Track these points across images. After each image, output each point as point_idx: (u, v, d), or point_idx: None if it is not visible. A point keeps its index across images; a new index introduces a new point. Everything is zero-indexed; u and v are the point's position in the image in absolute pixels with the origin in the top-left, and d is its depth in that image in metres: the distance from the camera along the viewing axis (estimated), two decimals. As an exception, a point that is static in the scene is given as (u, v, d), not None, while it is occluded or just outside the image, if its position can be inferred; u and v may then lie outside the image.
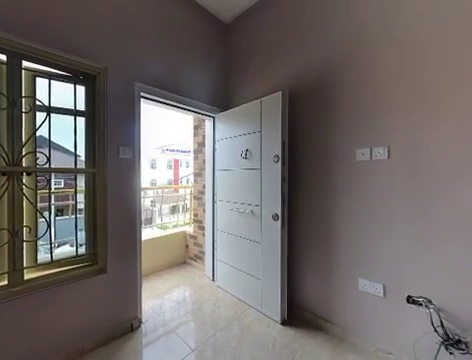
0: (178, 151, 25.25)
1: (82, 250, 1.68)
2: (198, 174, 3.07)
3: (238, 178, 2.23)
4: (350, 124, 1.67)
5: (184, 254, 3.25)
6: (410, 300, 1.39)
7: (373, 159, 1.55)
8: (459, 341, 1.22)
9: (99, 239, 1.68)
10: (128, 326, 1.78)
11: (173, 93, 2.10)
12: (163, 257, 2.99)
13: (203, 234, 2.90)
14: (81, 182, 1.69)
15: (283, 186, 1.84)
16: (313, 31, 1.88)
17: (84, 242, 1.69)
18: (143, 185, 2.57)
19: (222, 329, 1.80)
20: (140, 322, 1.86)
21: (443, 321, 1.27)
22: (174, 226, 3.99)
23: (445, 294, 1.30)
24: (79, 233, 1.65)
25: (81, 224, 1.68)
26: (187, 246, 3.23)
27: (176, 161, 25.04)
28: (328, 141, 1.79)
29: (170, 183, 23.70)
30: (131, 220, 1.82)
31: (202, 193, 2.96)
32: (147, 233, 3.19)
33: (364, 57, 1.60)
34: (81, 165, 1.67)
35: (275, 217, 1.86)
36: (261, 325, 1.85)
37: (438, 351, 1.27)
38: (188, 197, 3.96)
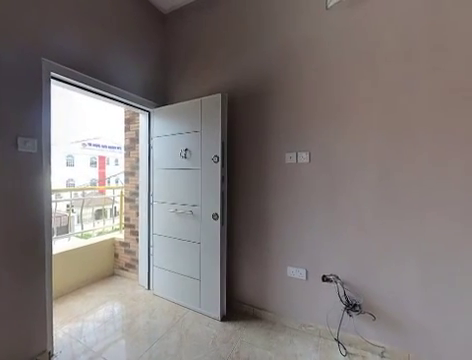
0: (105, 147, 21.92)
1: None
2: (130, 173, 2.76)
3: (177, 178, 2.14)
4: (281, 130, 1.87)
5: (112, 264, 2.86)
6: (324, 278, 1.69)
7: (298, 162, 1.80)
8: (355, 305, 1.57)
9: (-17, 259, 1.26)
10: (32, 364, 1.41)
11: (97, 79, 1.81)
12: (85, 271, 2.53)
13: (137, 240, 2.63)
14: None
15: (222, 186, 1.89)
16: (251, 43, 2.00)
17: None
18: (55, 186, 2.11)
19: (159, 339, 1.69)
20: (50, 355, 1.51)
21: (346, 291, 1.61)
22: (99, 233, 3.45)
23: (347, 270, 1.65)
24: None
25: None
26: (116, 255, 2.85)
27: (102, 158, 21.69)
28: (263, 144, 1.95)
29: (94, 183, 20.33)
30: (35, 230, 1.45)
31: (135, 194, 2.68)
32: (61, 244, 2.63)
33: (292, 73, 1.83)
34: None
35: (215, 216, 1.89)
36: (201, 325, 1.84)
37: (342, 316, 1.61)
38: (118, 199, 3.50)
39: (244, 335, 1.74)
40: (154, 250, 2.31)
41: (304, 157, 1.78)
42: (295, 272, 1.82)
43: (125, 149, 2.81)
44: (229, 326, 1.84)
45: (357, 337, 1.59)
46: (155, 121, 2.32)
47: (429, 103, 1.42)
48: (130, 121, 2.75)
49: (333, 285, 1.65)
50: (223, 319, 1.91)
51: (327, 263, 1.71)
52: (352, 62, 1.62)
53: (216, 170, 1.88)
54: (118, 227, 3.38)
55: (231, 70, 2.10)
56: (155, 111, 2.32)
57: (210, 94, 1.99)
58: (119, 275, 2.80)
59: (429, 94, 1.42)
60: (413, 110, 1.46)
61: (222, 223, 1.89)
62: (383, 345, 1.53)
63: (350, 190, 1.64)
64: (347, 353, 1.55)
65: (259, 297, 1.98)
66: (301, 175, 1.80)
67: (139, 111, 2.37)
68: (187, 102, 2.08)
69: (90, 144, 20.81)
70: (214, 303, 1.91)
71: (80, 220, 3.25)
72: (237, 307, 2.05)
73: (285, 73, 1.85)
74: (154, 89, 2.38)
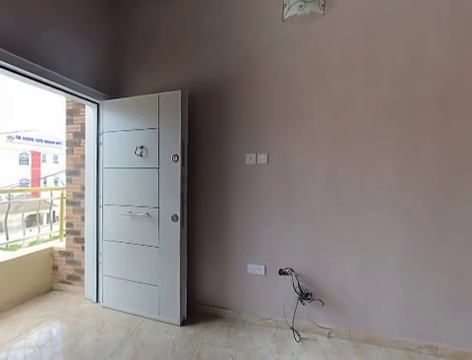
0: (40, 141, 18.71)
1: None
2: (74, 172, 2.42)
3: (132, 178, 1.97)
4: (241, 131, 1.92)
5: (50, 278, 2.46)
6: (281, 272, 1.80)
7: (258, 163, 1.88)
8: (308, 294, 1.73)
9: None
10: None
11: (30, 60, 1.52)
12: (10, 290, 2.10)
13: (82, 248, 2.32)
14: None
15: (182, 186, 1.83)
16: (212, 42, 1.99)
17: None
18: (-33, 188, 1.70)
19: (110, 356, 1.53)
20: (-39, 399, 1.21)
21: (300, 282, 1.75)
22: (33, 243, 2.93)
23: (301, 263, 1.80)
24: None
25: None
26: (56, 267, 2.47)
27: (36, 154, 18.46)
28: (224, 144, 1.97)
29: (26, 184, 17.15)
30: None
31: (80, 196, 2.37)
32: (-23, 260, 2.13)
33: (252, 76, 1.89)
34: None
35: (174, 218, 1.81)
36: (159, 334, 1.74)
37: (297, 305, 1.74)
38: (58, 202, 3.03)
39: (205, 337, 1.72)
40: (104, 258, 2.08)
41: (263, 158, 1.86)
42: (255, 268, 1.88)
43: (67, 145, 2.45)
44: (189, 330, 1.79)
45: (309, 323, 1.74)
46: (105, 115, 2.09)
47: (365, 113, 1.66)
48: (73, 113, 2.42)
49: (289, 278, 1.78)
50: (183, 323, 1.85)
51: (284, 258, 1.83)
52: (305, 71, 1.78)
53: (176, 170, 1.81)
54: (58, 234, 2.93)
55: (191, 67, 2.05)
56: (105, 103, 2.09)
57: (168, 90, 1.90)
58: (59, 290, 2.42)
59: (364, 105, 1.66)
60: (353, 119, 1.69)
61: (182, 225, 1.83)
62: (330, 327, 1.72)
63: (303, 190, 1.79)
64: (301, 339, 1.69)
65: (220, 296, 1.98)
66: (260, 175, 1.88)
67: (85, 102, 2.10)
68: (143, 96, 1.95)
69: (19, 137, 17.43)
70: (174, 308, 1.83)
71: (4, 228, 2.69)
72: (198, 309, 2.01)
73: (245, 75, 1.91)
74: (104, 79, 2.14)
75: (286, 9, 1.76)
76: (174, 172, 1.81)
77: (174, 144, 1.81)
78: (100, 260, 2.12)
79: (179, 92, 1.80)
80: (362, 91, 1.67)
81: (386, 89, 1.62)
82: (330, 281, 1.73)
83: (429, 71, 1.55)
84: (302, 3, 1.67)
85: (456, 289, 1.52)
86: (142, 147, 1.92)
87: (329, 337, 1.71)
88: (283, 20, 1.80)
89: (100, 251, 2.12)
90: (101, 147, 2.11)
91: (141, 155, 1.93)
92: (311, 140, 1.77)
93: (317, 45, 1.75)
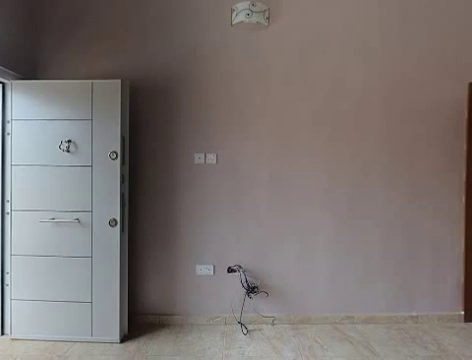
0: None
1: None
2: (-36, 170, 1.84)
3: (56, 177, 1.65)
4: (190, 130, 1.88)
5: None
6: (229, 270, 1.84)
7: (207, 163, 1.87)
8: (254, 287, 1.83)
9: None
10: None
11: None
12: None
13: (-22, 268, 1.79)
14: None
15: (122, 187, 1.65)
16: (159, 33, 1.87)
17: None
18: None
19: (23, 399, 1.23)
20: None
21: (247, 277, 1.84)
22: None
23: (248, 258, 1.89)
24: None
25: None
26: None
27: None
28: (171, 143, 1.88)
29: None
30: None
31: (-25, 201, 1.82)
32: None
33: (201, 75, 1.88)
34: None
35: (112, 222, 1.61)
36: (93, 357, 1.51)
37: (244, 299, 1.82)
38: None
39: (149, 349, 1.59)
40: (13, 278, 1.67)
41: (212, 158, 1.87)
42: (204, 269, 1.87)
43: None
44: (131, 345, 1.62)
45: (255, 315, 1.85)
46: (17, 98, 1.67)
47: (302, 120, 1.88)
48: (-36, 92, 1.84)
49: (237, 274, 1.84)
50: (124, 340, 1.66)
51: (232, 255, 1.88)
52: (251, 77, 1.88)
53: (114, 168, 1.61)
54: None
55: (133, 55, 1.88)
56: (17, 84, 1.68)
57: (104, 78, 1.69)
58: None
59: (301, 113, 1.88)
60: (292, 124, 1.89)
61: (122, 230, 1.65)
62: (273, 315, 1.86)
63: (250, 189, 1.88)
64: (248, 331, 1.77)
65: (166, 303, 1.88)
66: (209, 175, 1.88)
67: (-17, 80, 1.63)
68: (72, 81, 1.67)
69: None
70: (112, 325, 1.62)
71: None
72: (142, 321, 1.85)
73: (194, 72, 1.88)
74: (15, 55, 1.72)
75: (234, 14, 1.81)
76: (112, 171, 1.61)
77: (112, 139, 1.61)
78: (7, 281, 1.69)
79: (119, 81, 1.61)
80: (299, 101, 1.88)
81: (318, 102, 1.88)
82: (273, 273, 1.89)
83: (348, 89, 1.88)
84: (249, 12, 1.76)
85: (365, 267, 1.89)
86: (69, 141, 1.63)
87: (273, 325, 1.86)
88: (232, 24, 1.85)
89: (7, 270, 1.69)
90: (9, 138, 1.68)
91: (68, 150, 1.63)
92: (257, 141, 1.88)
93: (262, 54, 1.88)
